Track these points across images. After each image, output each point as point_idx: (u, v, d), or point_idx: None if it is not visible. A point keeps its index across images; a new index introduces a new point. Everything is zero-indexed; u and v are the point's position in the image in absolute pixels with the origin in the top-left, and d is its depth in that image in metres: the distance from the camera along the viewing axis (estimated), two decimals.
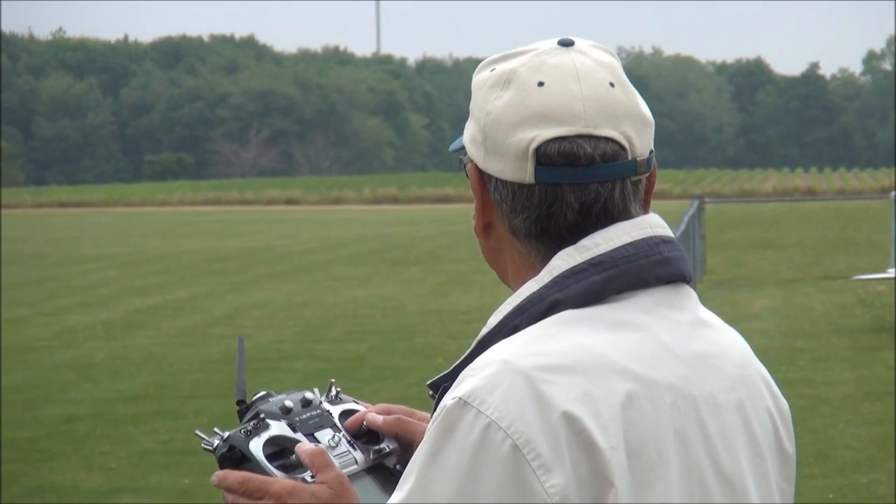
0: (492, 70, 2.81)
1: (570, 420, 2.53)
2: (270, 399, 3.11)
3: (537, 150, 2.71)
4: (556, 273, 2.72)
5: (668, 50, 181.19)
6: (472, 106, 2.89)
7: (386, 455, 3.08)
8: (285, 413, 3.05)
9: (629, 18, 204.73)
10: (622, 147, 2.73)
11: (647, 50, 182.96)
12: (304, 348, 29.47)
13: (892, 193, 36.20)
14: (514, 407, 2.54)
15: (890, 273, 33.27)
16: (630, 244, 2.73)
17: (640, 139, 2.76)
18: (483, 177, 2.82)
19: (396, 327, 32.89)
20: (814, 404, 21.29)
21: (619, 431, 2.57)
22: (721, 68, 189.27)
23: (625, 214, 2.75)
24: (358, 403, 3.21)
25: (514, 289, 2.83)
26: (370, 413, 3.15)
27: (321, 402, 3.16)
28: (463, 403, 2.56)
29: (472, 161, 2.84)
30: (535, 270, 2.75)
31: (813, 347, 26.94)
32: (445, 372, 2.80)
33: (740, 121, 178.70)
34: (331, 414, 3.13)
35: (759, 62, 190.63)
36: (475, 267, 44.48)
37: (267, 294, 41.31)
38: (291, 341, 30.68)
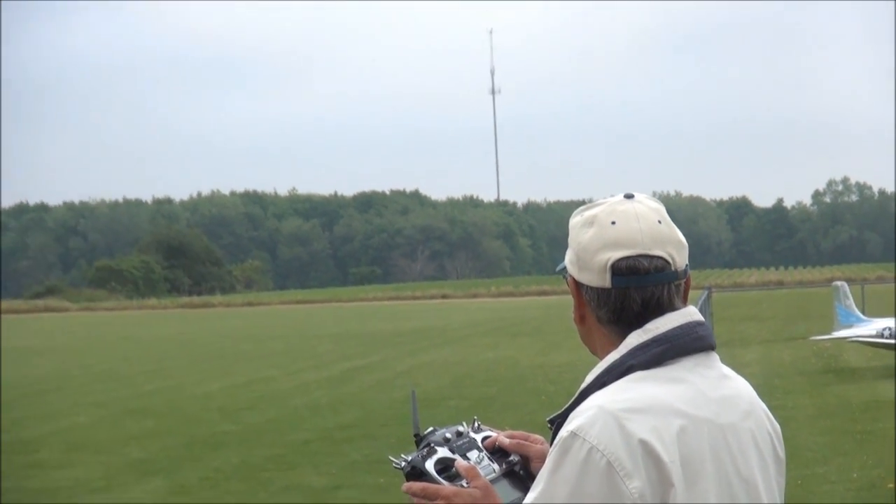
0: (581, 215, 3.32)
1: (644, 444, 2.97)
2: (436, 432, 3.54)
3: (612, 265, 3.19)
4: (629, 347, 3.17)
5: (685, 192, 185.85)
6: (569, 239, 3.35)
7: (514, 464, 3.50)
8: (446, 442, 3.49)
9: (660, 172, 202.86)
10: (668, 262, 3.21)
11: (672, 193, 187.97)
12: (455, 392, 31.08)
13: (834, 283, 37.32)
14: (607, 437, 2.97)
15: (833, 335, 35.15)
16: (677, 327, 3.19)
17: (679, 257, 3.25)
18: (578, 285, 3.29)
19: (514, 377, 34.48)
20: (785, 422, 21.91)
21: (676, 451, 3.00)
22: (720, 203, 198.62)
23: (672, 307, 3.22)
24: (492, 430, 3.61)
25: (601, 358, 3.27)
26: (501, 436, 3.56)
27: (469, 432, 3.57)
28: (574, 435, 3.01)
29: (570, 275, 3.32)
30: (615, 345, 3.21)
31: (784, 384, 29.20)
32: (559, 412, 3.24)
33: (732, 237, 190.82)
34: (475, 440, 3.53)
35: (745, 199, 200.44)
36: (564, 337, 45.71)
37: (430, 356, 43.10)
38: (447, 387, 32.29)
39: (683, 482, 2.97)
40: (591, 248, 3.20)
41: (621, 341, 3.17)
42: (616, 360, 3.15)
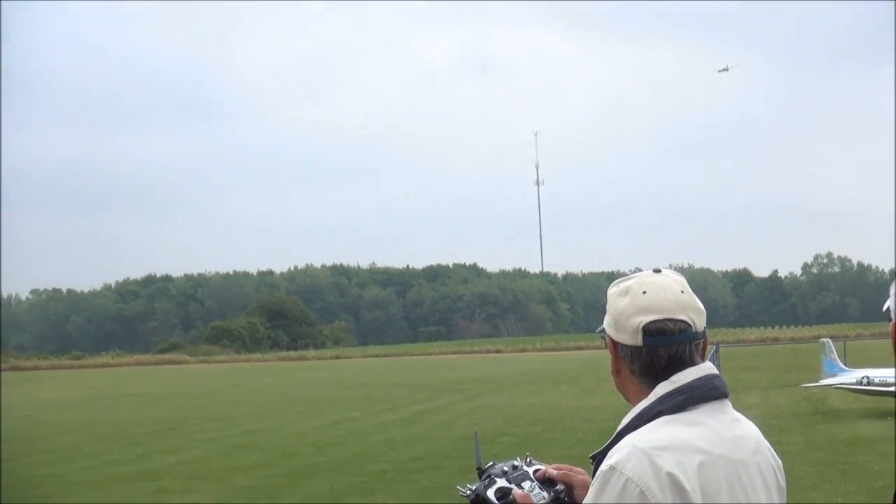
0: (618, 286, 3.34)
1: (671, 476, 2.98)
2: (495, 466, 3.53)
3: (643, 327, 3.20)
4: (658, 395, 3.18)
5: (697, 265, 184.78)
6: (607, 306, 3.36)
7: (560, 492, 3.45)
8: (504, 474, 3.48)
9: (676, 248, 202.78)
10: (689, 325, 3.22)
11: (686, 265, 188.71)
12: (506, 430, 30.78)
13: (821, 340, 37.62)
14: (640, 470, 2.99)
15: (820, 383, 34.97)
16: (697, 379, 3.20)
17: (699, 320, 3.26)
18: (615, 343, 3.29)
19: (555, 418, 34.23)
20: (781, 455, 21.27)
21: (697, 482, 3.00)
22: (725, 274, 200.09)
23: (692, 362, 3.22)
24: (541, 464, 3.57)
25: (633, 404, 3.26)
26: (549, 469, 3.53)
27: (522, 465, 3.55)
28: (612, 468, 3.02)
29: (608, 335, 3.32)
30: (645, 394, 3.21)
31: (780, 424, 28.67)
32: (600, 450, 3.21)
33: (736, 302, 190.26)
34: (528, 472, 3.51)
35: (746, 270, 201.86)
36: (597, 385, 45.76)
37: (486, 401, 42.70)
38: (500, 426, 31.95)
39: None
40: (626, 313, 3.22)
41: (651, 391, 3.19)
42: (646, 407, 3.16)
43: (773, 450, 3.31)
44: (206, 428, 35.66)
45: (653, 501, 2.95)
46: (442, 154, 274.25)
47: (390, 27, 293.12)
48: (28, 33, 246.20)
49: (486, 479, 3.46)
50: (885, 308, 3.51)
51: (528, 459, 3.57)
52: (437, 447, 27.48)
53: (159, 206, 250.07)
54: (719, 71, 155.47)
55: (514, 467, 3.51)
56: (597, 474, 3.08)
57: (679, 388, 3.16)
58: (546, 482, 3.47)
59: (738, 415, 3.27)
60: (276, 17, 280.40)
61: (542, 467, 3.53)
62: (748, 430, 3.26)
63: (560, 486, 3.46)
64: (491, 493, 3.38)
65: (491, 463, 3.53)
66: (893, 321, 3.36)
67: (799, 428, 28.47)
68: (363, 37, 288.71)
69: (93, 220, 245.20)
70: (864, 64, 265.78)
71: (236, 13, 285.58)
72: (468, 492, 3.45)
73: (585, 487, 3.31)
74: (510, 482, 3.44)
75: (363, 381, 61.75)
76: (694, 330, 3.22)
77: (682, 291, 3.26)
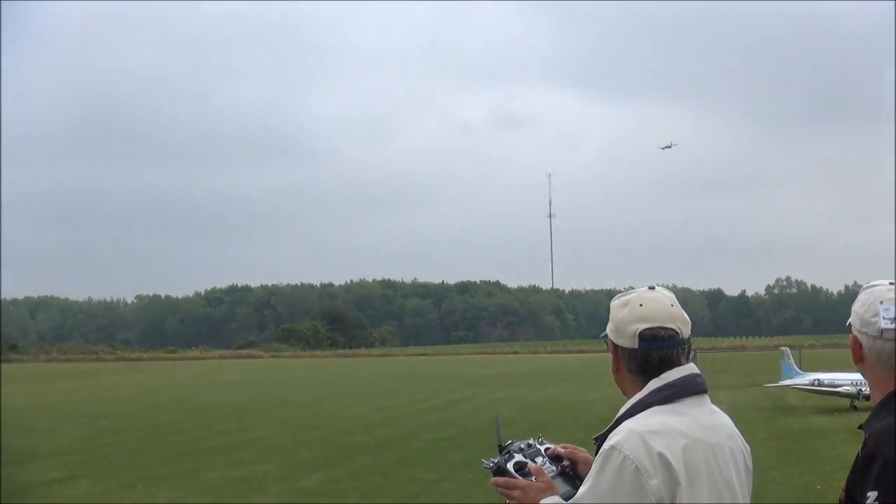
0: (619, 300, 3.32)
1: (661, 455, 2.97)
2: (513, 444, 3.47)
3: (639, 333, 3.18)
4: (650, 389, 3.16)
5: (679, 284, 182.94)
6: (610, 315, 3.33)
7: (566, 467, 3.42)
8: (521, 450, 3.44)
9: (663, 270, 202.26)
10: (677, 332, 3.20)
11: (670, 284, 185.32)
12: (522, 417, 30.40)
13: (780, 348, 37.67)
14: (636, 450, 2.98)
15: (780, 384, 34.82)
16: (683, 377, 3.18)
17: (685, 329, 3.24)
18: (616, 346, 3.27)
19: (561, 406, 34.32)
20: (746, 441, 22.48)
21: (682, 460, 2.99)
22: (702, 292, 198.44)
23: (679, 363, 3.21)
24: (551, 444, 3.51)
25: (628, 397, 3.24)
26: (557, 448, 3.47)
27: (535, 444, 3.49)
28: (613, 448, 3.01)
29: (611, 340, 3.30)
30: (639, 389, 3.19)
31: (745, 416, 27.90)
32: (602, 433, 3.16)
33: (710, 315, 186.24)
34: (540, 449, 3.46)
35: (720, 290, 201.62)
36: (597, 382, 45.16)
37: (505, 393, 42.48)
38: (516, 413, 31.58)
39: (686, 483, 2.98)
40: (625, 321, 3.21)
41: (644, 386, 3.17)
42: (641, 398, 3.15)
43: (743, 438, 3.28)
44: (276, 411, 35.60)
45: (646, 476, 2.94)
46: (473, 190, 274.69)
47: (436, 87, 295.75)
48: (133, 81, 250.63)
49: (505, 454, 3.42)
50: (847, 323, 3.51)
51: (541, 439, 3.54)
52: (465, 429, 27.35)
53: (241, 229, 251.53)
54: (662, 148, 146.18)
55: (529, 445, 3.47)
56: (599, 453, 3.07)
57: (668, 383, 3.15)
58: (554, 458, 3.44)
59: (714, 408, 3.26)
60: (344, 75, 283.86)
61: (552, 446, 3.49)
62: (723, 420, 3.25)
63: (566, 462, 3.43)
64: (510, 466, 3.35)
65: (509, 441, 3.49)
66: (852, 334, 3.33)
67: (761, 420, 28.32)
68: (416, 94, 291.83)
69: (186, 239, 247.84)
70: (820, 125, 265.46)
71: (313, 69, 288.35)
72: (491, 464, 3.40)
73: (587, 463, 3.34)
74: (526, 457, 3.40)
75: (405, 375, 61.45)
76: (681, 337, 3.21)
77: (672, 305, 3.24)
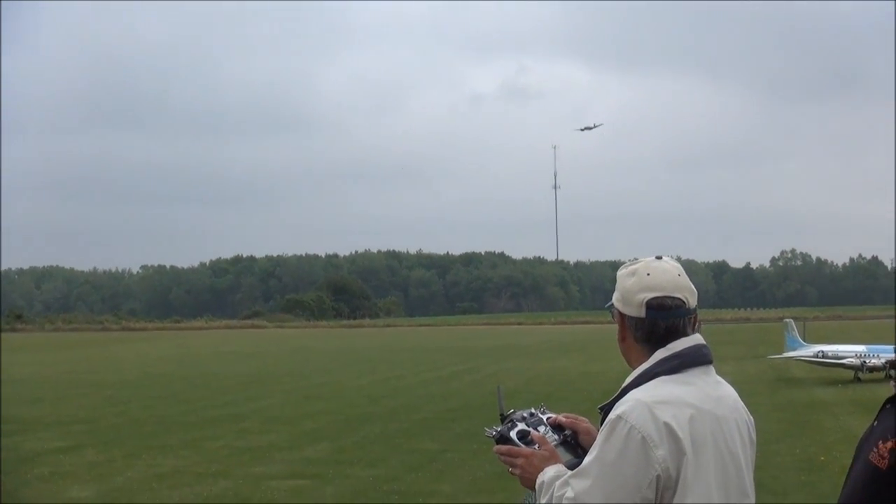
0: (626, 269, 3.31)
1: (667, 425, 2.97)
2: (516, 413, 3.50)
3: (646, 302, 3.19)
4: (657, 359, 3.16)
5: (684, 256, 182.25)
6: (617, 284, 3.33)
7: (568, 436, 3.44)
8: (523, 419, 3.46)
9: (667, 243, 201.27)
10: (683, 302, 3.21)
11: (674, 256, 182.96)
12: (525, 388, 30.52)
13: (784, 320, 37.70)
14: (643, 420, 2.98)
15: (784, 356, 34.77)
16: (689, 347, 3.18)
17: (692, 299, 3.24)
18: (623, 315, 3.27)
19: (567, 379, 34.29)
20: (751, 414, 22.63)
21: (688, 431, 2.99)
22: (707, 264, 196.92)
23: (685, 333, 3.21)
24: (553, 413, 3.55)
25: (633, 367, 3.24)
26: (559, 417, 3.50)
27: (538, 413, 3.52)
28: (619, 417, 3.01)
29: (617, 309, 3.29)
30: (646, 358, 3.19)
31: (749, 388, 27.73)
32: (608, 402, 3.18)
33: (716, 288, 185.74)
34: (542, 418, 3.49)
35: (724, 262, 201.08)
36: (601, 353, 45.64)
37: (509, 364, 42.63)
38: (521, 385, 31.97)
39: (692, 453, 2.98)
40: (633, 291, 3.21)
41: (650, 355, 3.18)
42: (647, 368, 3.15)
43: (747, 410, 3.28)
44: (281, 381, 35.69)
45: (652, 445, 2.95)
46: (480, 162, 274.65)
47: (447, 59, 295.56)
48: (139, 52, 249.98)
49: (508, 423, 3.44)
50: None
51: (543, 408, 3.56)
52: (469, 400, 27.41)
53: (248, 200, 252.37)
54: (582, 129, 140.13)
55: (532, 414, 3.50)
56: (605, 422, 3.08)
57: (674, 353, 3.15)
58: (556, 427, 3.46)
59: (720, 379, 3.26)
60: (352, 47, 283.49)
61: (554, 415, 3.51)
62: (728, 391, 3.24)
63: (568, 431, 3.45)
64: (513, 434, 3.37)
65: (512, 410, 3.51)
66: None
67: (766, 392, 28.42)
68: (425, 67, 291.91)
69: (192, 210, 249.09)
70: (827, 98, 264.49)
71: (321, 41, 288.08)
72: (494, 432, 3.43)
73: (589, 433, 3.38)
74: (528, 426, 3.42)
75: (409, 346, 61.57)
76: (688, 306, 3.21)
77: (679, 275, 3.25)
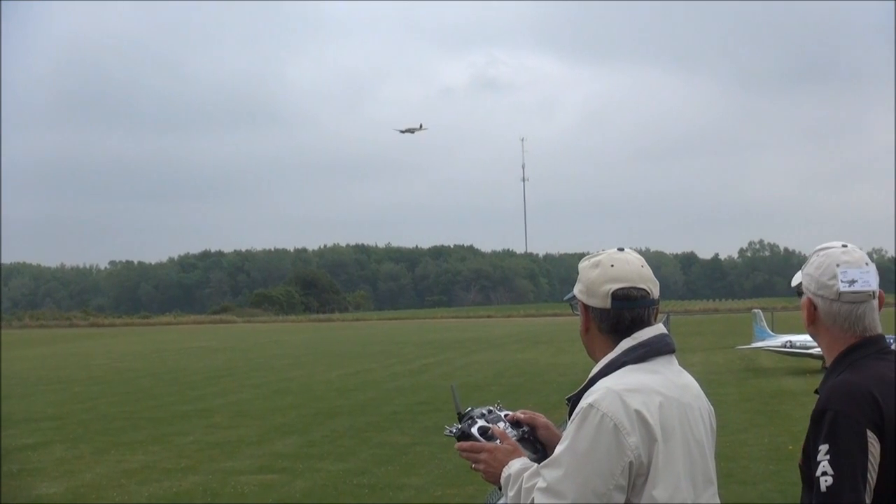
0: (589, 261, 3.33)
1: (638, 413, 3.01)
2: (474, 410, 3.52)
3: (612, 293, 3.21)
4: (623, 349, 3.19)
5: (652, 248, 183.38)
6: (579, 276, 3.34)
7: (526, 432, 3.47)
8: (482, 416, 3.48)
9: (636, 234, 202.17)
10: (648, 293, 3.24)
11: (643, 248, 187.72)
12: (496, 381, 30.49)
13: (753, 310, 37.74)
14: (614, 407, 3.00)
15: (752, 346, 34.91)
16: (654, 336, 3.22)
17: (654, 290, 3.28)
18: (586, 307, 3.28)
19: (535, 371, 34.06)
20: (718, 405, 22.38)
21: (657, 418, 3.03)
22: (676, 256, 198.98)
23: (649, 323, 3.25)
24: (510, 410, 3.58)
25: (596, 360, 3.27)
26: (517, 413, 3.55)
27: (496, 410, 3.56)
28: (591, 406, 3.03)
29: (580, 300, 3.30)
30: (611, 349, 3.22)
31: (718, 378, 28.70)
32: (575, 392, 3.22)
33: (684, 279, 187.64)
34: (500, 415, 3.52)
35: (693, 253, 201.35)
36: (570, 345, 45.59)
37: (479, 357, 42.47)
38: (490, 377, 31.77)
39: (662, 440, 3.02)
40: (597, 282, 3.24)
41: (616, 346, 3.21)
42: (614, 358, 3.19)
43: (707, 399, 3.32)
44: (250, 375, 35.53)
45: (624, 433, 2.98)
46: (449, 155, 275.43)
47: (417, 53, 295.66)
48: (104, 47, 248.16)
49: (468, 419, 3.47)
50: (793, 284, 3.63)
51: (499, 405, 3.60)
52: (439, 394, 27.25)
53: (215, 195, 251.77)
54: (402, 131, 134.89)
55: (490, 411, 3.53)
56: (576, 411, 3.10)
57: (640, 342, 3.19)
58: (514, 424, 3.49)
59: (681, 368, 3.29)
60: (321, 40, 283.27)
61: (511, 412, 3.55)
62: (690, 380, 3.28)
63: (525, 428, 3.48)
64: (474, 430, 3.39)
65: (469, 408, 3.53)
66: (806, 297, 3.47)
67: (734, 382, 28.55)
68: (396, 60, 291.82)
69: (159, 205, 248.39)
70: (797, 89, 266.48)
71: (289, 35, 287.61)
72: (455, 430, 3.46)
73: (547, 428, 3.49)
74: (488, 422, 3.45)
75: (379, 340, 61.28)
76: (652, 297, 3.26)
77: (642, 266, 3.28)
